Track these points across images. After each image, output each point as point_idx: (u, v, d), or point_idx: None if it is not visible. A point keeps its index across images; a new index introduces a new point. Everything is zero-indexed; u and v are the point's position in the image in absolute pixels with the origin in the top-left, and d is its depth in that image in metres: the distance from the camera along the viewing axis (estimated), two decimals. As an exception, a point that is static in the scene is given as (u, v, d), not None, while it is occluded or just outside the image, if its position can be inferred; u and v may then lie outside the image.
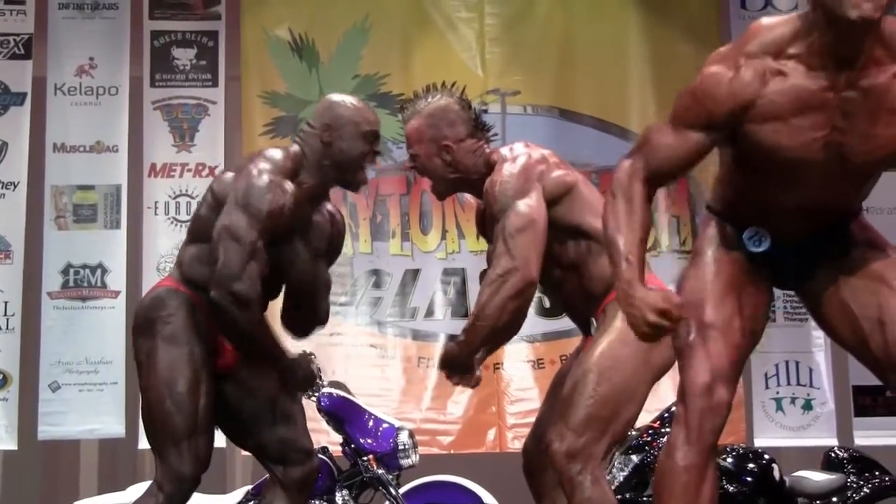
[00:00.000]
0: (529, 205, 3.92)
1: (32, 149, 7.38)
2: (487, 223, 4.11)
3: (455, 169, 4.17)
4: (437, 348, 7.38)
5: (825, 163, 3.12)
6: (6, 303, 7.17)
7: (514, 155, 4.07)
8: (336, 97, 4.32)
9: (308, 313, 4.34)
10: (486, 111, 7.46)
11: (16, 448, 7.09)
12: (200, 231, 4.13)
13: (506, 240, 3.88)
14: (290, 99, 7.61)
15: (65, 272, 7.20)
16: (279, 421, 4.24)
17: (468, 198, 7.36)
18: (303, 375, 4.20)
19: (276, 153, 4.12)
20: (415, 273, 7.46)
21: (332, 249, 4.40)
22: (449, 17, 7.68)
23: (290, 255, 4.17)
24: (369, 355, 7.33)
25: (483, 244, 7.22)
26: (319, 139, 4.14)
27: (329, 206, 4.38)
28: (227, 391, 4.21)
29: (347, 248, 7.40)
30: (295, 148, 4.18)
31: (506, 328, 3.97)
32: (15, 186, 7.31)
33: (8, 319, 7.15)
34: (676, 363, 3.36)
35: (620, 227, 3.17)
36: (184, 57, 7.59)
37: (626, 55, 7.71)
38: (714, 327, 3.25)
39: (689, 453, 3.18)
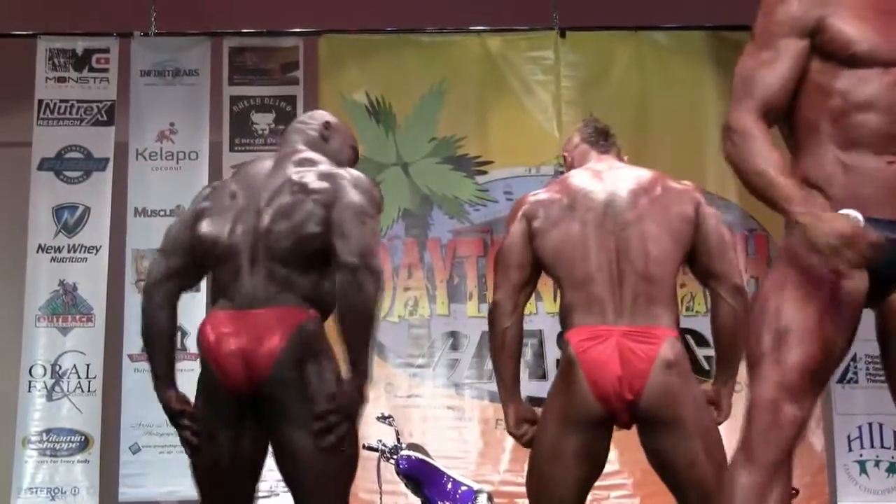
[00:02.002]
0: (507, 236, 4.13)
1: (114, 213, 7.50)
2: None
3: None
4: (514, 410, 7.35)
5: None
6: (88, 365, 7.26)
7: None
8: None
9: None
10: (562, 172, 7.43)
11: (97, 510, 7.15)
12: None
13: None
14: (368, 162, 7.63)
15: (145, 335, 7.26)
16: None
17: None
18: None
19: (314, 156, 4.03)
20: (492, 335, 7.44)
21: None
22: (525, 80, 7.71)
23: None
24: (447, 417, 7.31)
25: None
26: (320, 134, 4.11)
27: None
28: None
29: (424, 309, 7.46)
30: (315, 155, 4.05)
31: (495, 357, 4.08)
32: (97, 250, 7.43)
33: (90, 382, 7.23)
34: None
35: (766, 162, 3.00)
36: (262, 122, 7.69)
37: (702, 116, 7.66)
38: (791, 333, 3.00)
39: (752, 472, 2.95)
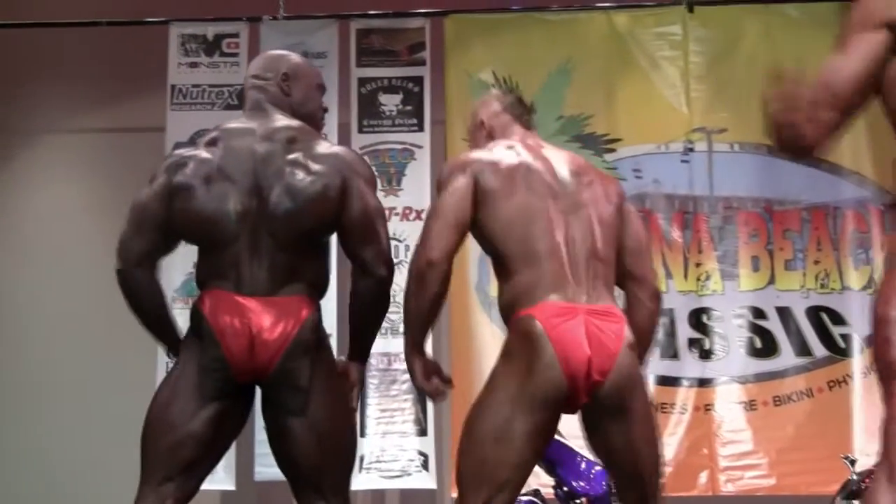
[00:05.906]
0: (447, 192, 3.85)
1: (246, 196, 7.58)
2: None
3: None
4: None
5: None
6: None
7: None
8: (278, 51, 4.39)
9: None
10: (692, 149, 7.41)
11: (234, 488, 7.23)
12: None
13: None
14: (495, 141, 7.66)
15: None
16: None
17: (675, 237, 7.33)
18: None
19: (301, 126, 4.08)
20: (621, 314, 7.40)
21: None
22: (652, 57, 7.63)
23: None
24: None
25: (692, 284, 7.19)
26: (280, 88, 4.11)
27: None
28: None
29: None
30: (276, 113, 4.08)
31: (417, 314, 3.82)
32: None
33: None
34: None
35: None
36: (390, 103, 7.72)
37: (834, 89, 7.50)
38: None
39: (893, 494, 2.74)
